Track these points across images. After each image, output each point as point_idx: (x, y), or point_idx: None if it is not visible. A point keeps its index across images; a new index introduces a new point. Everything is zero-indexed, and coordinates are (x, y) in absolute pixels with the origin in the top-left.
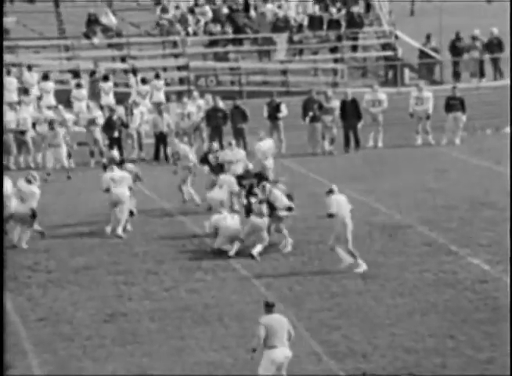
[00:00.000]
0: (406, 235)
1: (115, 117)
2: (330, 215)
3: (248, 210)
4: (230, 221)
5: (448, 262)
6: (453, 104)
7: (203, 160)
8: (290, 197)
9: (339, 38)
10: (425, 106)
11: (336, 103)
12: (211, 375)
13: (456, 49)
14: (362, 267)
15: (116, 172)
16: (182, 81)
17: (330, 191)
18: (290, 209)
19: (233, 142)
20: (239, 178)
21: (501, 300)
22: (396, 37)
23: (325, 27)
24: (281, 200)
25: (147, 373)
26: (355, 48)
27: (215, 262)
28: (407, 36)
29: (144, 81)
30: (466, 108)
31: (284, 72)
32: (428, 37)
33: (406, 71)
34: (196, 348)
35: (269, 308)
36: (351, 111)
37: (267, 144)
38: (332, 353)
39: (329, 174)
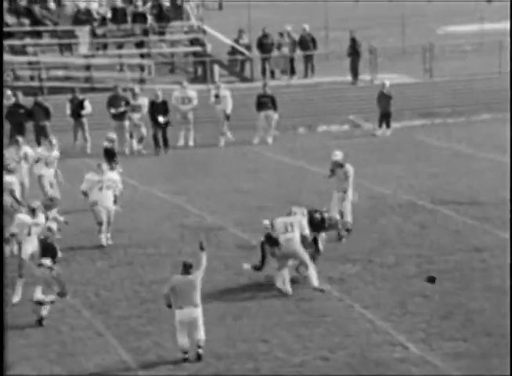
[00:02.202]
0: (219, 237)
1: None
2: (84, 194)
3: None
4: None
5: None
6: (264, 102)
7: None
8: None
9: (145, 32)
10: (224, 106)
11: (144, 100)
12: None
13: (263, 46)
14: None
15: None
16: None
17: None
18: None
19: None
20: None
21: (313, 302)
22: (204, 32)
23: (129, 20)
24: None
25: None
26: (161, 43)
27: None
28: (216, 31)
29: None
30: (277, 106)
31: (88, 67)
32: (240, 33)
33: (216, 68)
34: None
35: (186, 268)
36: (160, 111)
37: None
38: (141, 361)
39: (139, 174)
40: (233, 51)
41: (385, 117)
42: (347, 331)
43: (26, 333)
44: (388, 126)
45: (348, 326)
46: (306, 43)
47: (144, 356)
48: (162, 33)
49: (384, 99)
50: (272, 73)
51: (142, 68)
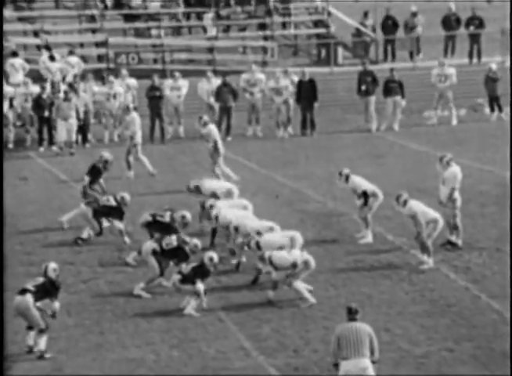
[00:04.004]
0: (340, 223)
1: (45, 96)
2: None
3: None
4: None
5: (385, 251)
6: (392, 87)
7: None
8: None
9: (268, 14)
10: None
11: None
12: (132, 373)
13: (386, 28)
14: None
15: None
16: (100, 58)
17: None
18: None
19: None
20: None
21: (439, 292)
22: (329, 13)
23: (253, 1)
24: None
25: (63, 371)
26: (285, 25)
27: None
28: (340, 12)
29: (52, 58)
30: (405, 92)
31: (211, 50)
32: (365, 14)
33: (340, 50)
34: (117, 344)
35: (351, 315)
36: (307, 92)
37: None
38: (261, 348)
39: (257, 158)
40: (358, 33)
41: (494, 101)
42: (474, 322)
43: (148, 317)
44: (501, 110)
45: (475, 316)
46: (449, 23)
47: (264, 343)
48: (285, 14)
49: (491, 82)
50: (394, 55)
51: (264, 50)
